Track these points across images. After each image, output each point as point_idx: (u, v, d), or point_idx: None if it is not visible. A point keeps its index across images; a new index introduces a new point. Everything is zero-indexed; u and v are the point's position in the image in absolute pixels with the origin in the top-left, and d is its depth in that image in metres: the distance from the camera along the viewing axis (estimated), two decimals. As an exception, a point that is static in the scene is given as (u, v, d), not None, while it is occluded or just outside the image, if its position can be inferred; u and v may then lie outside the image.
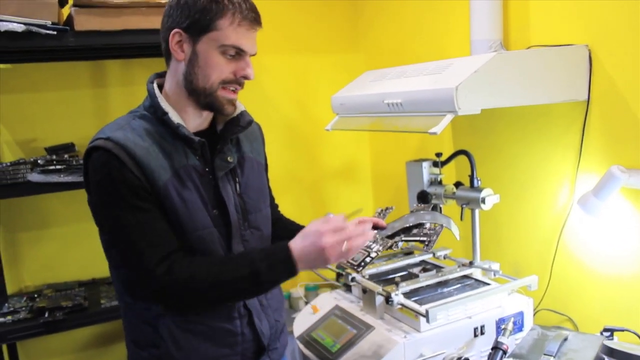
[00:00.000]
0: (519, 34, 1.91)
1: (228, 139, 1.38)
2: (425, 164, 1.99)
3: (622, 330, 1.61)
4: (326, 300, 1.97)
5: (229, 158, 1.37)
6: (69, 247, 2.36)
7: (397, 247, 1.46)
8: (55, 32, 1.75)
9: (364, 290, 1.79)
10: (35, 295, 2.16)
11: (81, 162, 1.90)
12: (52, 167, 1.83)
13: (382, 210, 1.67)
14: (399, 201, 2.69)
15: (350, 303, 1.89)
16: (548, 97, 1.63)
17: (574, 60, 1.66)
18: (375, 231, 1.54)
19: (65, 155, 1.97)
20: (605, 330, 1.62)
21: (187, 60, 1.28)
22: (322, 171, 2.84)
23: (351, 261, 1.45)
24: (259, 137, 1.54)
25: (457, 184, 1.94)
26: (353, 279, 1.87)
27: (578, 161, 1.75)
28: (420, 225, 1.49)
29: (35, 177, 1.83)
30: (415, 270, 1.90)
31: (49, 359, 2.35)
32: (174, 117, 1.29)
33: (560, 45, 1.69)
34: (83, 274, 2.38)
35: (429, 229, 1.47)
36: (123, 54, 2.26)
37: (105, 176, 1.22)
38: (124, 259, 1.27)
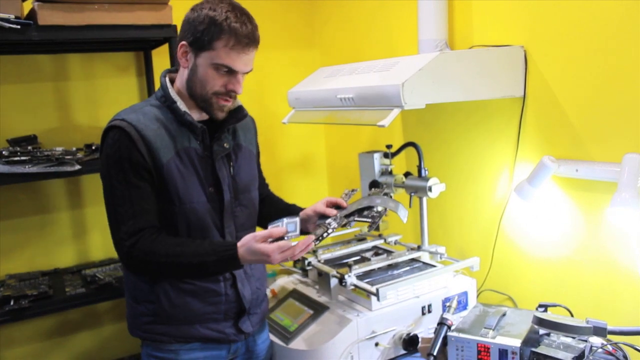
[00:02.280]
0: (462, 34, 2.05)
1: (225, 128, 1.58)
2: (376, 155, 2.12)
3: (555, 306, 1.76)
4: (284, 285, 2.07)
5: (225, 144, 1.58)
6: (31, 237, 2.39)
7: (350, 226, 1.65)
8: (19, 26, 1.80)
9: (320, 274, 1.90)
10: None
11: (45, 153, 1.97)
12: (16, 158, 1.87)
13: (348, 192, 1.81)
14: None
15: (306, 286, 2.01)
16: (488, 93, 1.77)
17: (511, 59, 1.81)
18: (336, 211, 1.69)
19: (29, 147, 2.01)
20: (540, 306, 1.77)
21: (189, 69, 1.49)
22: (280, 163, 2.95)
23: (314, 234, 1.56)
24: (252, 129, 1.76)
25: (407, 174, 2.08)
26: (309, 264, 1.99)
27: (516, 152, 1.91)
28: (370, 208, 1.67)
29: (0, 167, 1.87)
30: (368, 254, 2.02)
31: (14, 348, 2.38)
32: (182, 106, 1.50)
33: (498, 46, 1.84)
34: (45, 264, 2.42)
35: (376, 212, 1.64)
36: (85, 48, 2.31)
37: (115, 151, 1.44)
38: (109, 223, 1.48)
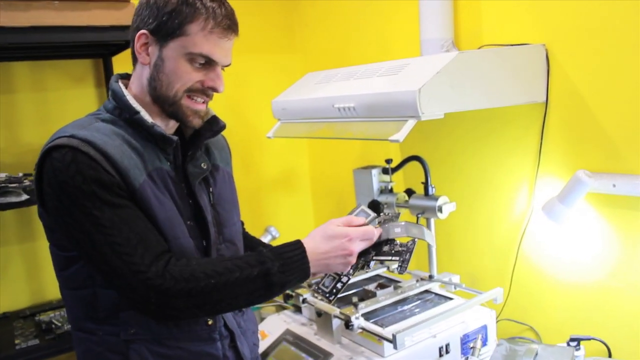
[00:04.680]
0: (470, 32, 1.81)
1: (200, 144, 1.27)
2: (374, 171, 1.87)
3: (589, 339, 1.55)
4: (275, 324, 1.80)
5: (202, 164, 1.26)
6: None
7: (369, 268, 1.30)
8: (-55, 29, 1.48)
9: (319, 314, 1.63)
10: None
11: None
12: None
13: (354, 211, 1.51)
14: (343, 208, 2.55)
15: (301, 326, 1.73)
16: (508, 99, 1.54)
17: (531, 60, 1.59)
18: None
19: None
20: (572, 340, 1.55)
21: (152, 64, 1.17)
22: (261, 180, 2.66)
23: (322, 287, 1.28)
24: (225, 147, 1.44)
25: (409, 192, 1.83)
26: (304, 300, 1.71)
27: (537, 165, 1.68)
28: (390, 241, 1.33)
29: None
30: (371, 287, 1.76)
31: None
32: (147, 116, 1.17)
33: (517, 45, 1.61)
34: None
35: (401, 245, 1.31)
36: (33, 55, 1.99)
37: (73, 175, 1.06)
38: (105, 268, 1.07)
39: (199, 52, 1.14)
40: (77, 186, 1.05)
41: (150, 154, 1.17)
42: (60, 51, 1.99)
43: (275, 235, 2.27)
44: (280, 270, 1.11)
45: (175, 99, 1.17)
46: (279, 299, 1.87)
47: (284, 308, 1.89)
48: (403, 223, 1.32)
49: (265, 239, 2.25)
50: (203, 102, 1.20)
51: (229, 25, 1.16)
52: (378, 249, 1.27)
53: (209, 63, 1.17)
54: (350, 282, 1.32)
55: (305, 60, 2.66)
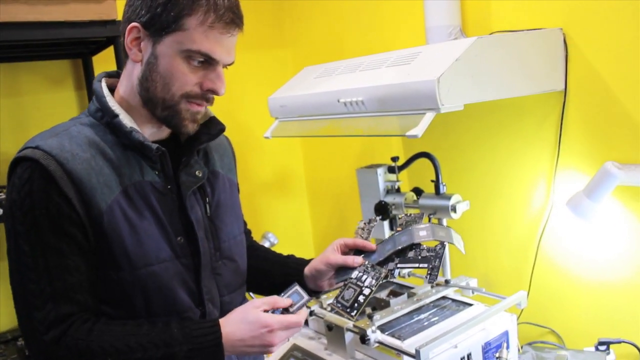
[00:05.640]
0: (478, 18, 1.70)
1: (195, 150, 1.15)
2: (380, 170, 1.75)
3: (619, 342, 1.45)
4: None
5: (197, 172, 1.14)
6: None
7: (394, 277, 1.17)
8: None
9: (329, 327, 1.50)
10: None
11: None
12: None
13: (365, 225, 1.38)
14: (343, 212, 2.43)
15: (309, 340, 1.60)
16: (525, 88, 1.43)
17: (547, 46, 1.47)
18: (362, 257, 1.28)
19: None
20: (601, 343, 1.45)
21: (145, 62, 1.05)
22: (256, 183, 2.52)
23: (341, 301, 1.17)
24: (229, 151, 1.34)
25: (417, 191, 1.71)
26: (312, 313, 1.59)
27: (556, 158, 1.57)
28: (416, 246, 1.20)
29: None
30: (382, 294, 1.64)
31: None
32: (126, 120, 1.06)
33: (532, 30, 1.49)
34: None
35: (428, 250, 1.18)
36: (4, 55, 1.82)
37: (24, 197, 0.98)
38: (16, 305, 1.01)
39: (198, 50, 1.02)
40: (24, 211, 0.98)
41: (129, 165, 1.06)
42: (35, 51, 1.83)
43: (273, 241, 2.14)
44: (187, 355, 1.00)
45: (171, 103, 1.05)
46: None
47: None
48: (428, 225, 1.20)
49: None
50: (200, 105, 1.07)
51: (233, 19, 1.03)
52: (402, 255, 1.15)
53: (208, 62, 1.05)
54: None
55: (296, 54, 2.53)
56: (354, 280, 1.24)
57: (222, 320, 1.04)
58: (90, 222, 1.00)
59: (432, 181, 1.64)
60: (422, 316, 1.51)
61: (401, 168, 1.74)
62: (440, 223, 1.66)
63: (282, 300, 1.09)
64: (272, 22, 2.52)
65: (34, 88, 1.97)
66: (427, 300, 1.56)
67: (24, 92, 1.96)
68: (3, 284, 1.98)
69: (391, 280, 1.33)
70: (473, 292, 1.61)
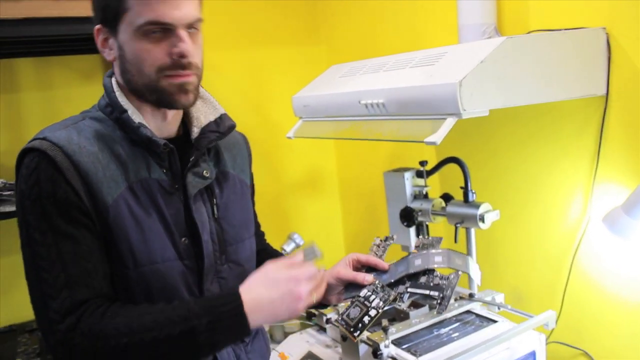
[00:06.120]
0: (515, 16, 1.60)
1: (204, 149, 1.13)
2: (407, 175, 1.68)
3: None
4: (296, 345, 1.62)
5: (205, 172, 1.11)
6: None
7: (402, 301, 1.12)
8: None
9: (344, 337, 1.45)
10: None
11: None
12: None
13: (380, 242, 1.34)
14: (375, 213, 2.36)
15: (325, 348, 1.55)
16: (563, 92, 1.33)
17: (589, 46, 1.37)
18: (373, 275, 1.23)
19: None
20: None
21: (118, 57, 1.05)
22: (285, 183, 2.48)
23: (346, 319, 1.13)
24: (244, 151, 1.28)
25: (446, 197, 1.63)
26: (328, 321, 1.54)
27: (595, 169, 1.46)
28: (429, 272, 1.16)
29: None
30: (403, 305, 1.57)
31: None
32: (135, 115, 1.05)
33: (572, 29, 1.39)
34: (5, 317, 1.95)
35: (441, 278, 1.13)
36: (35, 49, 1.84)
37: (32, 186, 0.97)
38: (31, 296, 0.99)
39: (146, 21, 0.98)
40: (32, 200, 0.97)
41: (137, 161, 1.05)
42: (65, 45, 1.84)
43: (299, 242, 2.09)
44: (208, 328, 0.93)
45: (152, 84, 1.02)
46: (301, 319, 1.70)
47: (307, 326, 1.71)
48: (445, 251, 1.15)
49: (288, 247, 2.07)
50: (185, 76, 1.03)
51: None
52: (414, 279, 1.11)
53: (165, 29, 1.00)
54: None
55: (331, 51, 2.47)
56: (362, 299, 1.20)
57: (242, 288, 0.99)
58: (97, 215, 0.99)
59: (462, 188, 1.56)
60: (442, 331, 1.44)
61: (429, 173, 1.67)
62: (468, 233, 1.58)
63: (297, 257, 1.05)
64: (307, 19, 2.47)
65: (65, 82, 1.99)
66: (449, 314, 1.48)
67: (55, 86, 1.98)
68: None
69: (399, 305, 1.28)
70: (499, 308, 1.52)
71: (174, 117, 1.13)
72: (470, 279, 1.58)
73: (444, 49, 1.31)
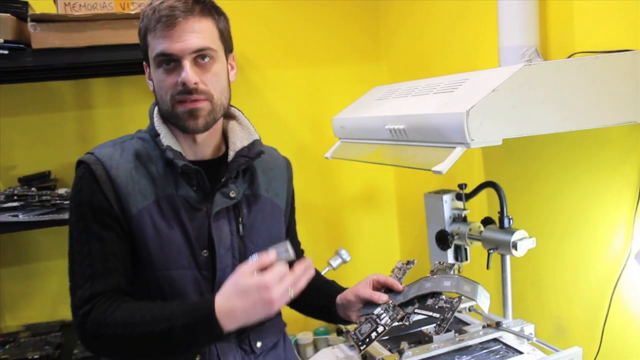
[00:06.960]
0: (560, 38, 1.54)
1: (234, 171, 1.22)
2: (446, 197, 1.67)
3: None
4: (325, 358, 1.65)
5: (231, 193, 1.21)
6: (53, 283, 2.14)
7: (409, 321, 1.19)
8: (6, 52, 1.52)
9: (364, 357, 1.46)
10: (11, 340, 1.94)
11: (44, 197, 1.71)
12: (8, 205, 1.60)
13: (402, 265, 1.42)
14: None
15: (348, 362, 1.57)
16: (596, 120, 1.26)
17: (630, 70, 1.30)
18: (388, 295, 1.32)
19: (33, 189, 1.75)
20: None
21: (153, 88, 1.21)
22: (340, 198, 2.52)
23: (357, 333, 1.22)
24: (283, 176, 1.37)
25: (486, 222, 1.60)
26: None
27: (637, 200, 1.38)
28: (437, 294, 1.21)
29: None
30: (430, 327, 1.56)
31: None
32: (166, 139, 1.18)
33: (609, 52, 1.33)
34: (68, 313, 2.15)
35: (445, 301, 1.18)
36: (109, 71, 2.02)
37: (77, 192, 1.16)
38: (70, 282, 1.16)
39: (156, 54, 1.13)
40: (76, 203, 1.15)
41: (167, 179, 1.17)
42: (134, 67, 2.01)
43: (346, 259, 2.10)
44: (183, 329, 1.05)
45: (170, 111, 1.16)
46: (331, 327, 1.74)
47: (336, 340, 1.74)
48: (456, 276, 1.19)
49: (335, 263, 2.10)
50: (193, 102, 1.13)
51: (171, 9, 1.10)
52: (423, 301, 1.17)
53: (174, 61, 1.12)
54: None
55: (390, 70, 2.48)
56: (374, 317, 1.28)
57: (218, 296, 1.07)
58: (125, 222, 1.14)
59: (499, 213, 1.53)
60: (463, 358, 1.42)
61: (468, 196, 1.65)
62: (503, 260, 1.54)
63: (268, 257, 1.09)
64: (368, 38, 2.50)
65: (132, 99, 2.16)
66: (474, 341, 1.46)
67: (124, 103, 2.16)
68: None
69: (405, 323, 1.32)
70: (529, 340, 1.47)
71: (204, 140, 1.23)
72: (505, 308, 1.54)
73: (466, 75, 1.30)
